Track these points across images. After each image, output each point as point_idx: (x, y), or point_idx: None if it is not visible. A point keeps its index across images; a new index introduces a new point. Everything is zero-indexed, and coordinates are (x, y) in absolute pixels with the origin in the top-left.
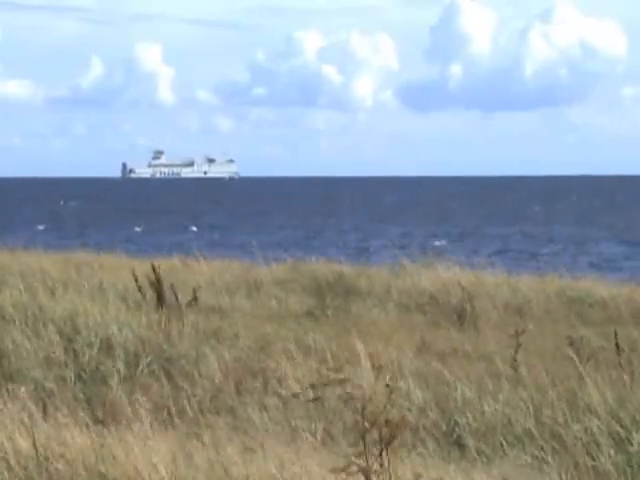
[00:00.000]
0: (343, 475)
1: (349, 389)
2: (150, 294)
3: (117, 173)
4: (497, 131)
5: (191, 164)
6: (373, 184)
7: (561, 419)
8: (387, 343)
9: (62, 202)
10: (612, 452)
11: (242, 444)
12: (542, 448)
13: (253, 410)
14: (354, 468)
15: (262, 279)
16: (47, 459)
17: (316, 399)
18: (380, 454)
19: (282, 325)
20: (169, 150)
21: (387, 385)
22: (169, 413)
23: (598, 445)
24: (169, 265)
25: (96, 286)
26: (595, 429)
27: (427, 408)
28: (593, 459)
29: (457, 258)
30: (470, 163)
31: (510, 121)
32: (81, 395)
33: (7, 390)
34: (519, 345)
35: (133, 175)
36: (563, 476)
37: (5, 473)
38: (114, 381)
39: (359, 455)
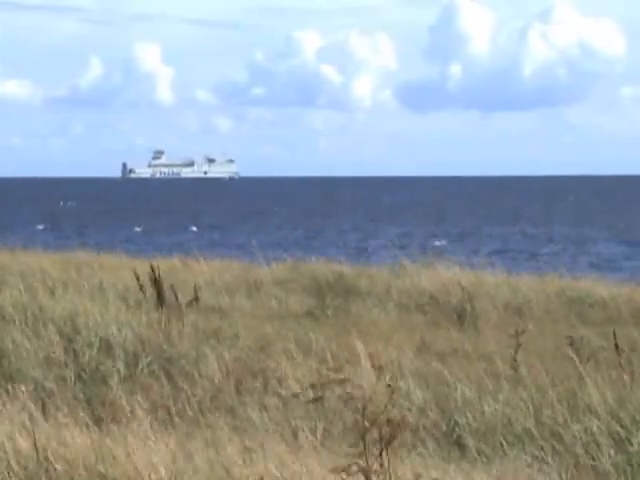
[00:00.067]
0: (343, 475)
1: (349, 389)
2: (151, 293)
3: (117, 173)
4: (496, 131)
5: (191, 164)
6: (372, 184)
7: (561, 419)
8: (387, 343)
9: (62, 202)
10: (612, 452)
11: (242, 444)
12: (542, 448)
13: (253, 410)
14: (354, 468)
15: (262, 279)
16: (47, 459)
17: (316, 399)
18: (380, 454)
19: (282, 325)
20: (168, 150)
21: (388, 385)
22: (169, 413)
23: (598, 445)
24: (169, 265)
25: (96, 286)
26: (595, 429)
27: (427, 408)
28: (593, 459)
29: (457, 258)
30: (469, 163)
31: (509, 121)
32: (81, 395)
33: (7, 390)
34: (519, 345)
35: (133, 175)
36: (563, 476)
37: (5, 473)
38: (114, 381)
39: (359, 455)
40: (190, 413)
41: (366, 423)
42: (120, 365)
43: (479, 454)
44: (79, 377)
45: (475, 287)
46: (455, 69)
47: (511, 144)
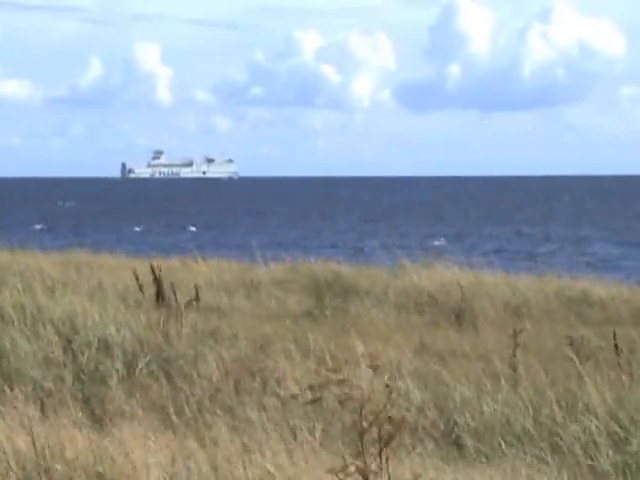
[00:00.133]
0: (341, 475)
1: (347, 390)
2: (150, 293)
3: (116, 173)
4: (495, 131)
5: (190, 164)
6: (371, 184)
7: (560, 419)
8: (386, 343)
9: (60, 202)
10: (611, 452)
11: (241, 444)
12: (541, 448)
13: (252, 410)
14: (352, 468)
15: (261, 279)
16: (46, 459)
17: (314, 401)
18: (378, 454)
19: (281, 325)
20: (167, 150)
21: (387, 385)
22: (167, 413)
23: (597, 445)
24: (168, 265)
25: (95, 286)
26: (594, 429)
27: (426, 408)
28: (592, 459)
29: (456, 258)
30: (468, 163)
31: (508, 121)
32: (80, 395)
33: (6, 390)
34: (518, 345)
35: (132, 175)
36: (562, 476)
37: (4, 473)
38: (113, 381)
39: (357, 455)
40: (189, 413)
41: (364, 423)
42: (119, 365)
43: (478, 454)
44: (78, 377)
45: (474, 287)
46: (454, 69)
47: (510, 144)
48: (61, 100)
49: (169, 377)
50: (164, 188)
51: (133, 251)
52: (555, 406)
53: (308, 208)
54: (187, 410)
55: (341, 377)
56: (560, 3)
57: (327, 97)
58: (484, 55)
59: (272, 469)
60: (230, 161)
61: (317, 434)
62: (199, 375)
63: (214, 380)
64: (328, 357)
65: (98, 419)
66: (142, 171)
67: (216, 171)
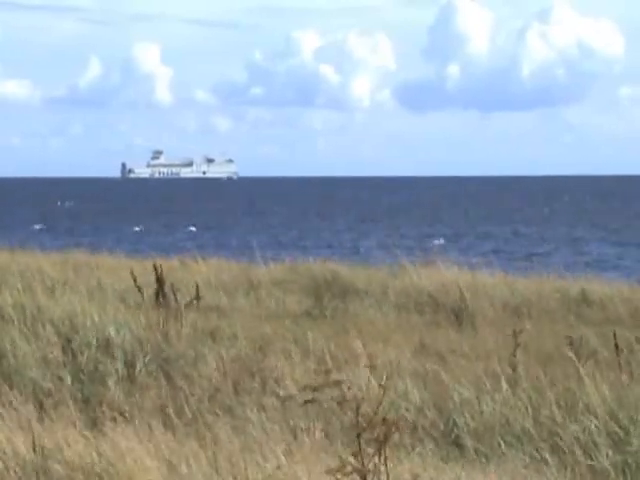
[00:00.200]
0: (339, 475)
1: (343, 390)
2: (149, 294)
3: (115, 173)
4: (495, 131)
5: (190, 164)
6: (371, 184)
7: (559, 419)
8: (385, 343)
9: (59, 202)
10: (610, 452)
11: (241, 444)
12: (540, 448)
13: (251, 410)
14: (349, 468)
15: (260, 279)
16: (45, 459)
17: (309, 401)
18: (378, 454)
19: (280, 325)
20: (167, 150)
21: (380, 385)
22: (167, 413)
23: (596, 445)
24: (168, 265)
25: (95, 286)
26: (593, 429)
27: (425, 408)
28: (591, 459)
29: (455, 258)
30: (468, 163)
31: (508, 121)
32: (79, 395)
33: (5, 390)
34: (517, 345)
35: (132, 175)
36: (561, 476)
37: (3, 473)
38: (112, 381)
39: (354, 455)
40: (188, 413)
41: (361, 420)
42: (118, 365)
43: (477, 454)
44: (77, 377)
45: (473, 287)
46: (454, 69)
47: (510, 144)
48: (60, 100)
49: (169, 377)
50: (164, 188)
51: (133, 251)
52: (555, 406)
53: (308, 208)
54: (187, 410)
55: (337, 378)
56: (559, 3)
57: (327, 97)
58: (483, 55)
59: (272, 469)
60: (230, 161)
61: (317, 434)
62: (199, 375)
63: (214, 380)
64: (328, 357)
65: (97, 419)
66: (142, 171)
67: (216, 171)
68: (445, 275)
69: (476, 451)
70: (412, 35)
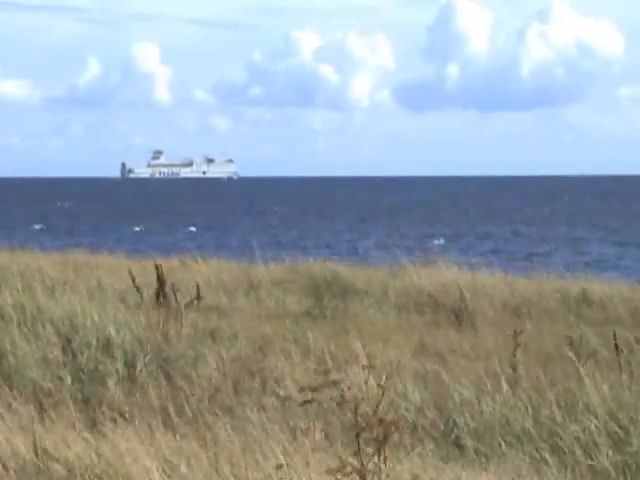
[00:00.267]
0: (338, 476)
1: (341, 391)
2: (148, 294)
3: (115, 173)
4: (494, 131)
5: (190, 164)
6: (371, 184)
7: (559, 419)
8: (386, 343)
9: (59, 202)
10: (610, 452)
11: (241, 444)
12: (540, 448)
13: (251, 410)
14: (348, 469)
15: (260, 279)
16: (45, 460)
17: (307, 402)
18: (378, 454)
19: (280, 325)
20: (167, 150)
21: (379, 385)
22: (167, 413)
23: (596, 445)
24: (168, 265)
25: (95, 286)
26: (593, 429)
27: (425, 408)
28: (591, 459)
29: (455, 258)
30: (467, 163)
31: (507, 121)
32: (79, 395)
33: (5, 390)
34: (517, 345)
35: (132, 175)
36: (561, 476)
37: (3, 474)
38: (112, 381)
39: (353, 455)
40: (188, 413)
41: (360, 420)
42: (118, 365)
43: (477, 454)
44: (77, 377)
45: (473, 287)
46: (453, 69)
47: (509, 144)
48: (60, 100)
49: (169, 377)
50: (164, 188)
51: (133, 251)
52: (555, 406)
53: (307, 208)
54: (187, 410)
55: (336, 378)
56: (558, 3)
57: (326, 97)
58: (483, 55)
59: (272, 469)
60: (230, 161)
61: (317, 434)
62: (199, 375)
63: (214, 380)
64: (328, 357)
65: (97, 419)
66: (142, 171)
67: (216, 171)
68: (445, 275)
69: (476, 451)
70: (412, 35)
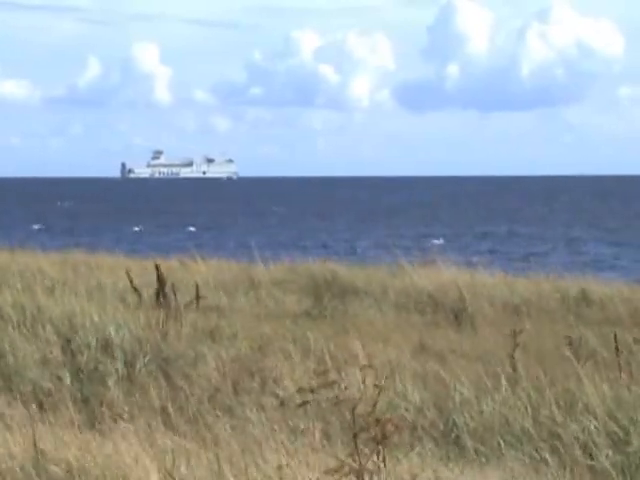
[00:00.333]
0: (336, 476)
1: (338, 391)
2: (147, 294)
3: (115, 173)
4: (494, 131)
5: (190, 164)
6: (371, 184)
7: (559, 419)
8: (385, 343)
9: (59, 202)
10: (610, 452)
11: (240, 444)
12: (540, 448)
13: (251, 410)
14: (346, 469)
15: (260, 279)
16: (44, 460)
17: (305, 403)
18: (375, 454)
19: (280, 325)
20: (166, 150)
21: (376, 385)
22: (167, 413)
23: (596, 445)
24: (167, 265)
25: (94, 286)
26: (593, 429)
27: (425, 408)
28: (591, 459)
29: (454, 258)
30: (467, 163)
31: (507, 121)
32: (79, 395)
33: (5, 390)
34: (517, 345)
35: (132, 175)
36: (561, 476)
37: (2, 474)
38: (112, 381)
39: (350, 455)
40: (188, 413)
41: (361, 422)
42: (118, 365)
43: (477, 454)
44: (77, 377)
45: (473, 287)
46: (453, 69)
47: (509, 144)
48: (59, 100)
49: (168, 377)
50: (164, 188)
51: (132, 251)
52: (554, 406)
53: (307, 208)
54: (186, 410)
55: (334, 379)
56: (558, 3)
57: (326, 97)
58: (483, 55)
59: (271, 469)
60: (230, 161)
61: (316, 434)
62: (198, 375)
63: (213, 380)
64: (327, 357)
65: (97, 419)
66: (142, 171)
67: (216, 171)
68: (444, 275)
69: (476, 451)
70: (412, 35)
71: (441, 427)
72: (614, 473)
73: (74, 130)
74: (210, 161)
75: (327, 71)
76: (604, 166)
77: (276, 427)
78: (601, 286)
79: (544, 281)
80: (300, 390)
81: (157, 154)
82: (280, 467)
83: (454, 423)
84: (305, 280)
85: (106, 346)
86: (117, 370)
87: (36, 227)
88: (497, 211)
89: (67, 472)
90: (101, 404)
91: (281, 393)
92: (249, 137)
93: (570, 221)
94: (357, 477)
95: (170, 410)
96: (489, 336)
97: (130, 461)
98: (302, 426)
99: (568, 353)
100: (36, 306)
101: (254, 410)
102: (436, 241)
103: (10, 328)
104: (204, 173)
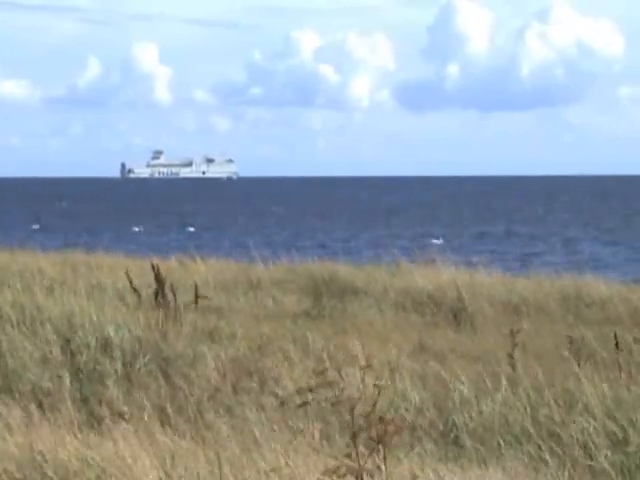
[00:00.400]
0: (334, 477)
1: (337, 391)
2: (146, 294)
3: (115, 173)
4: (494, 131)
5: (190, 164)
6: (371, 184)
7: (558, 419)
8: (385, 343)
9: (59, 202)
10: (609, 452)
11: (240, 444)
12: (539, 448)
13: (250, 410)
14: (343, 469)
15: (259, 279)
16: (43, 459)
17: (304, 404)
18: (373, 455)
19: (279, 325)
20: (166, 150)
21: (374, 385)
22: (166, 413)
23: (595, 445)
24: (167, 265)
25: (93, 286)
26: (592, 429)
27: (424, 408)
28: (590, 459)
29: (454, 258)
30: (467, 163)
31: (507, 121)
32: (78, 395)
33: (4, 390)
34: (516, 345)
35: (132, 175)
36: (560, 476)
37: (1, 474)
38: (111, 381)
39: (349, 456)
40: (187, 413)
41: (361, 422)
42: (117, 365)
43: (477, 454)
44: (76, 377)
45: (472, 287)
46: (453, 69)
47: (509, 144)
48: (60, 100)
49: (167, 377)
50: (163, 188)
51: (132, 251)
52: (554, 406)
53: (306, 208)
54: (186, 410)
55: (332, 379)
56: (558, 3)
57: (326, 97)
58: (483, 55)
59: (271, 469)
60: (230, 161)
61: (316, 434)
62: (198, 375)
63: (213, 380)
64: (327, 357)
65: (96, 419)
66: (142, 171)
67: (216, 171)
68: (444, 275)
69: (475, 451)
70: (412, 35)
71: (441, 427)
72: (613, 473)
73: (74, 130)
74: (210, 161)
75: (327, 71)
76: (604, 166)
77: (275, 427)
78: (600, 286)
79: (543, 281)
80: (299, 390)
81: (157, 154)
82: (279, 467)
83: (454, 423)
84: (304, 280)
85: (105, 346)
86: (116, 370)
87: (36, 227)
88: (497, 211)
89: (67, 472)
90: (100, 404)
91: (280, 393)
92: (249, 137)
93: (568, 221)
94: (356, 477)
95: (169, 410)
96: (488, 336)
97: (130, 461)
98: (301, 426)
99: (567, 353)
100: (35, 306)
101: (253, 410)
102: (435, 241)
103: (9, 328)
104: (204, 173)
